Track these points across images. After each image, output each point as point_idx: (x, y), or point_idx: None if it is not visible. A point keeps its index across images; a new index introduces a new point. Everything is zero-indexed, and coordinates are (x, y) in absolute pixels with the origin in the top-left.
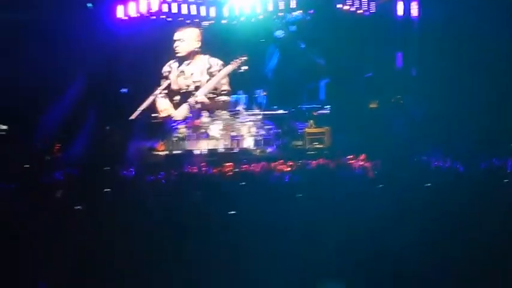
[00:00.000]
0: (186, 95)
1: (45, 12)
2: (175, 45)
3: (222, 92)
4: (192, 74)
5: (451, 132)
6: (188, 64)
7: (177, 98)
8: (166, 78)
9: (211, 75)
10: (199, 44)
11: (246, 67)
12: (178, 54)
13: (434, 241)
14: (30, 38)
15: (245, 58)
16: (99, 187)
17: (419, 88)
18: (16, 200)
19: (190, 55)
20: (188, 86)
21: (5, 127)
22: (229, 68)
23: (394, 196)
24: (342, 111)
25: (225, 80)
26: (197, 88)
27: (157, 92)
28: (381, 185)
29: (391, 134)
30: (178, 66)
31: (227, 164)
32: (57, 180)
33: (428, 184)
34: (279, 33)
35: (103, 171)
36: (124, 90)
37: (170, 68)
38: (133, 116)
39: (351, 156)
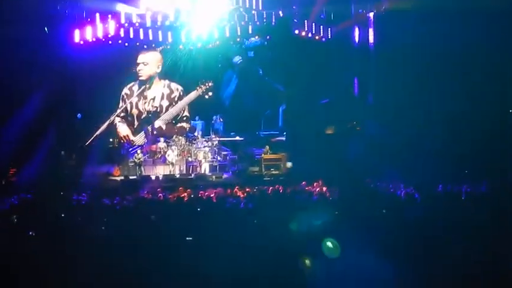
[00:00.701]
0: (145, 120)
1: (1, 36)
2: (138, 68)
3: (182, 118)
4: (153, 99)
5: (407, 158)
6: (149, 88)
7: (136, 123)
8: (124, 101)
9: (172, 100)
10: (160, 69)
11: (211, 93)
12: (140, 78)
13: (389, 265)
14: None
15: (211, 84)
16: (53, 212)
17: (375, 114)
18: None
19: (150, 79)
20: (148, 111)
21: None
22: (194, 94)
23: (351, 222)
24: (298, 137)
25: (185, 106)
26: (157, 113)
27: (112, 117)
28: (336, 212)
29: (348, 159)
30: (138, 90)
31: (183, 189)
32: (11, 204)
33: (384, 210)
34: (237, 59)
35: (57, 196)
36: (79, 115)
37: (130, 90)
38: (88, 142)
39: (304, 183)
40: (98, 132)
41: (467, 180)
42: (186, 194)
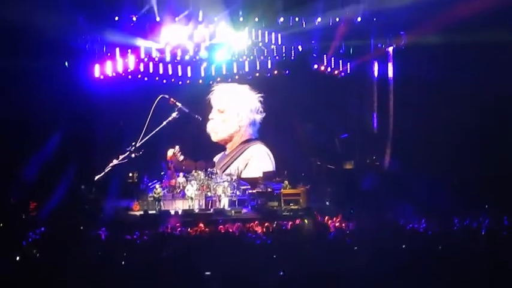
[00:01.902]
0: None
1: (21, 69)
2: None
3: None
4: None
5: (426, 193)
6: None
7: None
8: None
9: None
10: None
11: None
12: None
13: None
14: (3, 95)
15: None
16: (73, 247)
17: (394, 149)
18: None
19: None
20: None
21: None
22: None
23: (370, 258)
24: (318, 172)
25: None
26: None
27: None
28: (355, 247)
29: (367, 194)
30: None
31: (202, 224)
32: (32, 239)
33: (404, 246)
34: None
35: (77, 231)
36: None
37: None
38: (100, 176)
39: (327, 217)
40: (110, 166)
41: (487, 215)
42: (205, 229)
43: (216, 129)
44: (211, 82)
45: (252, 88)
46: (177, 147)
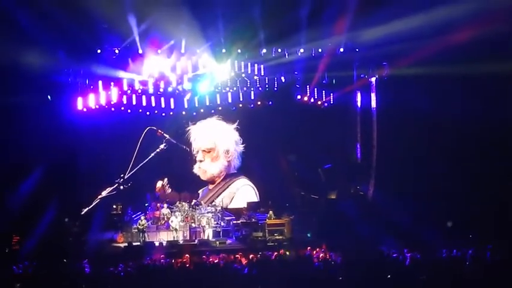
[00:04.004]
0: None
1: (4, 104)
2: None
3: None
4: None
5: (410, 222)
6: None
7: None
8: None
9: None
10: None
11: None
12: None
13: None
14: None
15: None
16: (57, 280)
17: (378, 178)
18: None
19: None
20: None
21: None
22: None
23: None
24: (301, 202)
25: None
26: None
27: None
28: (340, 278)
29: (351, 224)
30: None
31: (187, 255)
32: (15, 273)
33: (389, 276)
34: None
35: (61, 264)
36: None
37: None
38: (87, 209)
39: (309, 248)
40: (100, 197)
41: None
42: (190, 260)
43: (206, 169)
44: (194, 113)
45: (226, 120)
46: (165, 179)
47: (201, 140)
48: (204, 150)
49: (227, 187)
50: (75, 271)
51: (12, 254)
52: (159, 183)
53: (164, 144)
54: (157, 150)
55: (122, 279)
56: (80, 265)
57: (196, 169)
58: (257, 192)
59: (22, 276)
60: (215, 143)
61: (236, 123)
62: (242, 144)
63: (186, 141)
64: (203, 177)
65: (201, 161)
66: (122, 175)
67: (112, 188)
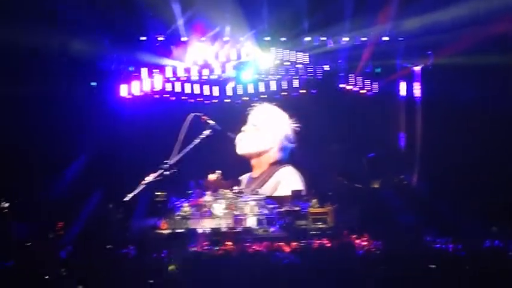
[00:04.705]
0: None
1: (48, 89)
2: None
3: None
4: None
5: (454, 212)
6: None
7: None
8: None
9: None
10: None
11: None
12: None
13: None
14: (31, 114)
15: None
16: (101, 266)
17: (422, 168)
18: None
19: None
20: None
21: (7, 204)
22: None
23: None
24: (344, 191)
25: None
26: None
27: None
28: (383, 267)
29: (394, 214)
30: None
31: (230, 243)
32: (59, 258)
33: (433, 266)
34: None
35: (104, 249)
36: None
37: None
38: (132, 194)
39: (354, 236)
40: (144, 182)
41: None
42: (233, 247)
43: (246, 141)
44: (238, 101)
45: (290, 116)
46: (217, 171)
47: (255, 115)
48: (254, 124)
49: (273, 174)
50: (118, 257)
51: (57, 240)
52: (213, 176)
53: (209, 130)
54: (202, 136)
55: (165, 266)
56: (124, 251)
57: (238, 138)
58: (303, 181)
59: (66, 262)
60: (265, 123)
61: (296, 123)
62: (292, 143)
63: (232, 127)
64: (239, 150)
65: (244, 132)
66: (166, 161)
67: (157, 173)
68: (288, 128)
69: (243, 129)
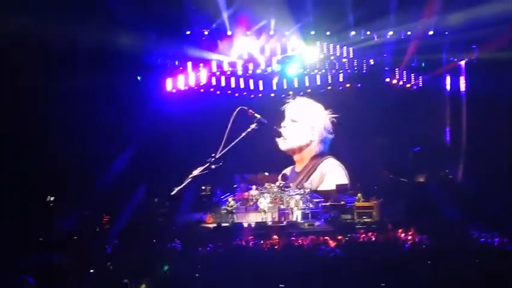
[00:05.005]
0: None
1: (94, 83)
2: None
3: None
4: None
5: (499, 207)
6: None
7: None
8: None
9: None
10: None
11: None
12: None
13: None
14: (77, 109)
15: None
16: (146, 260)
17: (467, 163)
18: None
19: None
20: None
21: (52, 198)
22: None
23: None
24: (390, 185)
25: None
26: None
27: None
28: (429, 262)
29: (440, 208)
30: None
31: (275, 237)
32: (105, 252)
33: (477, 260)
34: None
35: (150, 243)
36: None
37: None
38: (178, 188)
39: (399, 230)
40: (191, 176)
41: None
42: (278, 241)
43: (287, 137)
44: (283, 95)
45: (326, 107)
46: (266, 173)
47: (291, 109)
48: (292, 119)
49: (316, 167)
50: (164, 251)
51: (104, 233)
52: (262, 175)
53: (255, 124)
54: (248, 130)
55: (211, 260)
56: (170, 245)
57: (278, 138)
58: (346, 173)
59: (112, 256)
60: (303, 116)
61: (333, 113)
62: (331, 134)
63: (277, 121)
64: (282, 146)
65: (284, 127)
66: (213, 154)
67: (203, 167)
68: (326, 119)
69: (282, 125)
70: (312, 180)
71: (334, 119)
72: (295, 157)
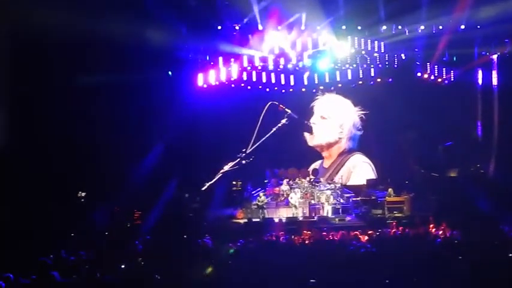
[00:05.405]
0: None
1: (127, 78)
2: None
3: None
4: None
5: None
6: None
7: None
8: None
9: None
10: None
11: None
12: None
13: None
14: (109, 104)
15: None
16: (177, 256)
17: (499, 157)
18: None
19: None
20: None
21: (84, 194)
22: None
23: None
24: (421, 180)
25: None
26: None
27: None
28: (460, 257)
29: (471, 202)
30: None
31: (306, 232)
32: (136, 248)
33: (510, 255)
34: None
35: (181, 239)
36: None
37: None
38: (209, 183)
39: (431, 225)
40: (222, 171)
41: None
42: (310, 236)
43: (316, 133)
44: (314, 90)
45: (355, 103)
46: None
47: (320, 106)
48: (321, 116)
49: (344, 163)
50: (195, 247)
51: (135, 229)
52: (292, 170)
53: (286, 119)
54: (279, 125)
55: (242, 255)
56: (201, 241)
57: (306, 133)
58: (374, 169)
59: (144, 251)
60: (332, 113)
61: (362, 110)
62: (360, 130)
63: (308, 116)
64: (310, 142)
65: (314, 124)
66: (243, 150)
67: (234, 162)
68: (355, 116)
69: (311, 121)
70: (341, 175)
71: (363, 116)
72: (324, 153)
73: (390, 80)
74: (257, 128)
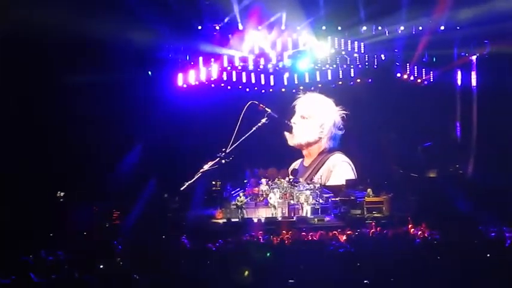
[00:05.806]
0: None
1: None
2: None
3: None
4: None
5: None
6: None
7: None
8: None
9: None
10: None
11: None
12: None
13: None
14: (88, 103)
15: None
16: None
17: (478, 157)
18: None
19: None
20: None
21: (62, 194)
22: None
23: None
24: (400, 180)
25: None
26: None
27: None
28: (438, 257)
29: (450, 203)
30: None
31: (285, 232)
32: (115, 248)
33: (488, 255)
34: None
35: (160, 239)
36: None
37: None
38: (188, 183)
39: (410, 225)
40: (201, 171)
41: None
42: (288, 236)
43: (296, 133)
44: (294, 90)
45: (336, 103)
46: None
47: (301, 105)
48: (302, 116)
49: (324, 162)
50: (173, 247)
51: (113, 229)
52: (272, 170)
53: (266, 118)
54: (259, 124)
55: (220, 256)
56: (179, 241)
57: (287, 133)
58: (354, 168)
59: (123, 251)
60: (312, 113)
61: (343, 109)
62: (341, 130)
63: (288, 115)
64: (290, 142)
65: (294, 124)
66: (223, 149)
67: (214, 161)
68: (336, 115)
69: (292, 121)
70: (320, 175)
71: (344, 115)
72: (304, 152)
73: (370, 80)
74: (237, 127)
